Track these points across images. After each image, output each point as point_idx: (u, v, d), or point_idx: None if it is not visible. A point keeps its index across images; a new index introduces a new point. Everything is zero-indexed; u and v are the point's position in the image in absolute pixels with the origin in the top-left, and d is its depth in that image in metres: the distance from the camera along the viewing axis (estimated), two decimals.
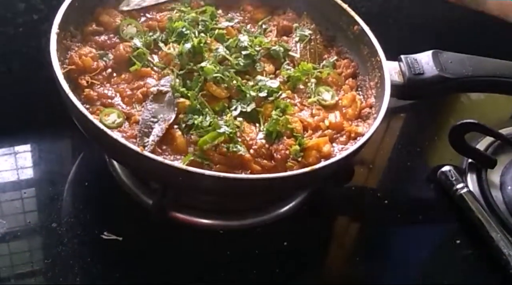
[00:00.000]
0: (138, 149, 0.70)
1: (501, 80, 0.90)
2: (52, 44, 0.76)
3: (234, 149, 0.75)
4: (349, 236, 0.91)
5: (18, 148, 0.92)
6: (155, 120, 0.77)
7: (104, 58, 0.84)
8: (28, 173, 0.89)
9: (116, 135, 0.71)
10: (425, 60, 0.89)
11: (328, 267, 0.87)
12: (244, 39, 0.88)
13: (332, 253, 0.89)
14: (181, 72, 0.83)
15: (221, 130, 0.75)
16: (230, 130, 0.76)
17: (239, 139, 0.77)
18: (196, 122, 0.76)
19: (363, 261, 0.86)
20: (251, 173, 0.75)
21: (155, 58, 0.86)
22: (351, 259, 0.88)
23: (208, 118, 0.77)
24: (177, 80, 0.81)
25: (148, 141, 0.74)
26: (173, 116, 0.77)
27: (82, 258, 0.79)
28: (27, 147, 0.92)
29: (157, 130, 0.75)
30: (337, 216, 0.92)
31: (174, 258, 0.81)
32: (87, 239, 0.81)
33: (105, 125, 0.73)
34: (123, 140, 0.70)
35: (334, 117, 0.85)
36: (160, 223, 0.82)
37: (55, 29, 0.78)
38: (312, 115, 0.85)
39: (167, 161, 0.70)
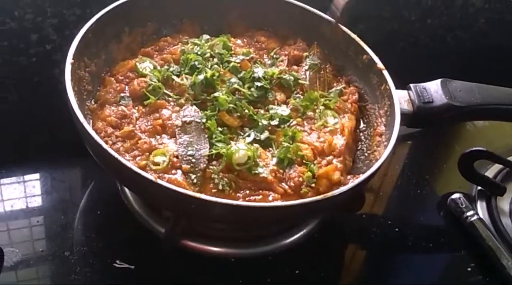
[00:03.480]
0: (152, 177, 0.70)
1: (510, 108, 0.90)
2: (67, 74, 0.77)
3: (256, 172, 0.77)
4: (360, 264, 0.91)
5: (28, 176, 0.92)
6: (193, 152, 0.78)
7: (122, 101, 0.85)
8: (38, 201, 0.89)
9: (130, 164, 0.72)
10: (434, 88, 0.90)
11: None
12: (258, 71, 0.89)
13: (343, 281, 0.89)
14: (195, 102, 0.84)
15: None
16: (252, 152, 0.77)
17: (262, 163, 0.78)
18: (221, 151, 0.77)
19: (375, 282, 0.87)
20: (275, 194, 0.76)
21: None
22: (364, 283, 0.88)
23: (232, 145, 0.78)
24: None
25: (195, 177, 0.76)
26: (208, 146, 0.78)
27: (94, 283, 0.79)
28: (37, 175, 0.93)
29: (200, 164, 0.77)
30: (348, 244, 0.92)
31: (183, 283, 0.81)
32: (100, 268, 0.81)
33: (155, 168, 0.75)
34: (137, 169, 0.70)
35: (339, 140, 0.85)
36: (172, 251, 0.82)
37: (69, 59, 0.79)
38: (319, 138, 0.85)
39: (181, 189, 0.70)
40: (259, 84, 0.88)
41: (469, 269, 0.89)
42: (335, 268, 0.89)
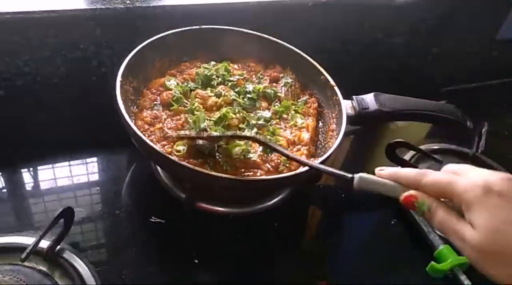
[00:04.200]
0: (176, 159, 0.71)
1: (419, 113, 0.93)
2: (117, 88, 0.77)
3: (248, 157, 0.78)
4: (318, 219, 0.92)
5: (90, 159, 0.92)
6: (205, 149, 0.78)
7: (155, 107, 0.85)
8: (96, 177, 0.90)
9: (161, 150, 0.72)
10: (369, 99, 0.91)
11: (305, 241, 0.88)
12: (249, 86, 0.91)
13: (307, 231, 0.90)
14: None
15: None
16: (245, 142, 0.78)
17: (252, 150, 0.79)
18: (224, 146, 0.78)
19: (329, 235, 0.88)
20: (262, 172, 0.77)
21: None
22: (320, 235, 0.89)
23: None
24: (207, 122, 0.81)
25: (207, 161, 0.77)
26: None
27: (137, 235, 0.80)
28: (95, 159, 0.93)
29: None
30: (310, 206, 0.93)
31: (199, 235, 0.82)
32: (140, 222, 0.82)
33: (178, 153, 0.76)
34: (166, 153, 0.71)
35: (305, 134, 0.86)
36: (190, 210, 0.82)
37: (119, 78, 0.79)
38: (292, 133, 0.86)
39: (196, 168, 0.71)
40: (249, 95, 0.89)
41: (392, 222, 0.90)
42: (301, 222, 0.90)
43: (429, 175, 0.54)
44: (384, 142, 0.92)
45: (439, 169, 0.90)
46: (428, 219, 0.53)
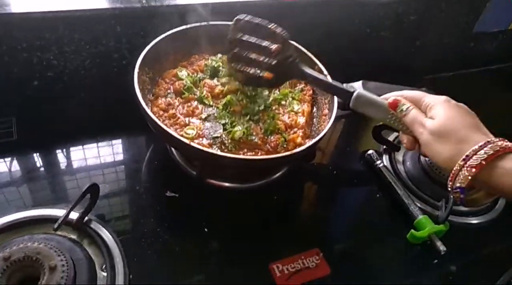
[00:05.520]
0: (187, 141, 0.70)
1: None
2: (135, 79, 0.76)
3: (250, 139, 0.77)
4: (313, 193, 0.92)
5: (114, 141, 0.92)
6: (213, 132, 0.78)
7: (168, 95, 0.84)
8: (120, 157, 0.89)
9: (174, 133, 0.72)
10: (357, 86, 0.90)
11: (300, 212, 0.87)
12: None
13: (302, 203, 0.89)
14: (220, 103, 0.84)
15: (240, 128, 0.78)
16: (246, 127, 0.78)
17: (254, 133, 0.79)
18: (228, 131, 0.78)
19: (321, 207, 0.88)
20: (262, 152, 0.77)
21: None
22: (313, 207, 0.88)
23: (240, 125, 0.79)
24: (217, 109, 0.81)
25: (215, 147, 0.77)
26: (221, 128, 0.79)
27: (154, 206, 0.80)
28: (120, 141, 0.92)
29: (217, 140, 0.78)
30: (306, 181, 0.92)
31: (208, 207, 0.81)
32: (157, 195, 0.81)
33: (187, 136, 0.76)
34: (178, 136, 0.70)
35: (300, 119, 0.85)
36: (200, 186, 0.82)
37: (136, 70, 0.78)
38: (289, 118, 0.85)
39: (204, 148, 0.70)
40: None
41: (378, 195, 0.90)
42: (298, 195, 0.90)
43: (412, 92, 0.68)
44: (371, 124, 0.91)
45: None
46: (403, 116, 0.66)
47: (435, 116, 0.61)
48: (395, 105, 0.67)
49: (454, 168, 0.58)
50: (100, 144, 0.90)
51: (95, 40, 0.91)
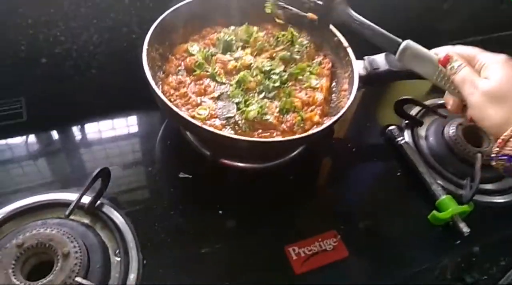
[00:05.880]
0: (199, 123, 0.65)
1: None
2: (144, 59, 0.70)
3: (265, 118, 0.71)
4: (330, 172, 0.85)
5: (130, 118, 0.87)
6: (226, 112, 0.72)
7: (179, 73, 0.78)
8: (135, 131, 0.85)
9: (187, 116, 0.66)
10: (380, 59, 0.81)
11: (318, 192, 0.81)
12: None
13: (319, 183, 0.83)
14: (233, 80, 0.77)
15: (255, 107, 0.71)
16: (261, 106, 0.72)
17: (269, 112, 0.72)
18: (242, 110, 0.72)
19: (339, 187, 0.81)
20: (278, 132, 0.71)
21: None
22: (331, 187, 0.82)
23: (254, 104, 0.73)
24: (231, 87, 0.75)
25: (229, 127, 0.71)
26: (235, 107, 0.72)
27: (168, 189, 0.76)
28: (132, 119, 0.87)
29: (231, 120, 0.72)
30: (323, 159, 0.86)
31: (222, 188, 0.77)
32: (170, 177, 0.77)
33: (200, 117, 0.70)
34: (190, 118, 0.65)
35: (319, 95, 0.78)
36: (215, 166, 0.77)
37: (145, 47, 0.72)
38: (306, 94, 0.78)
39: (217, 131, 0.65)
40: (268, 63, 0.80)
41: (398, 174, 0.83)
42: (314, 175, 0.83)
43: (466, 48, 0.60)
44: (390, 96, 0.84)
45: (443, 124, 0.81)
46: (453, 74, 0.58)
47: (490, 76, 0.55)
48: (446, 61, 0.59)
49: (506, 134, 0.52)
50: (112, 123, 0.85)
51: (103, 14, 0.84)
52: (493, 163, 0.56)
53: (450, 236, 0.74)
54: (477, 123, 0.56)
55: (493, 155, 0.55)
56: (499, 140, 0.53)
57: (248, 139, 0.65)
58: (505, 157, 0.53)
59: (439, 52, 0.61)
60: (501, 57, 0.56)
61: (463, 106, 0.60)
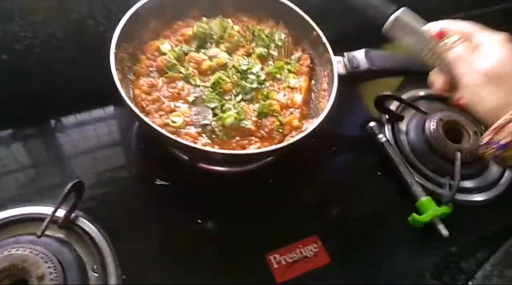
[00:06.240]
0: (173, 136, 0.62)
1: (407, 68, 0.79)
2: (111, 61, 0.66)
3: (243, 124, 0.68)
4: (310, 174, 0.82)
5: (97, 122, 0.82)
6: (201, 119, 0.69)
7: (151, 74, 0.73)
8: (107, 132, 0.80)
9: (158, 128, 0.63)
10: (360, 56, 0.77)
11: (297, 196, 0.79)
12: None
13: (300, 186, 0.80)
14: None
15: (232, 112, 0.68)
16: (238, 112, 0.69)
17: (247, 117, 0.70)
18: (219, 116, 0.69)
19: (319, 190, 0.80)
20: (256, 138, 0.69)
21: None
22: (311, 190, 0.80)
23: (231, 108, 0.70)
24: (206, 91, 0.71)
25: (205, 135, 0.68)
26: (211, 113, 0.69)
27: (145, 196, 0.74)
28: (103, 121, 0.82)
29: (207, 127, 0.69)
30: (303, 158, 0.83)
31: (201, 194, 0.74)
32: (145, 184, 0.74)
33: (174, 125, 0.67)
34: (163, 131, 0.62)
35: (297, 97, 0.75)
36: (193, 171, 0.75)
37: (113, 49, 0.67)
38: (285, 96, 0.75)
39: (190, 144, 0.62)
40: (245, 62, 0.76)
41: (379, 173, 0.82)
42: (295, 177, 0.80)
43: (462, 23, 0.56)
44: (372, 95, 0.82)
45: (424, 119, 0.79)
46: (447, 50, 0.55)
47: (487, 56, 0.51)
48: (441, 35, 0.55)
49: (499, 122, 0.50)
50: (83, 127, 0.80)
51: (66, 7, 0.78)
52: (481, 151, 0.54)
53: (430, 237, 0.74)
54: (467, 107, 0.53)
55: (483, 142, 0.53)
56: (493, 127, 0.50)
57: (225, 152, 0.63)
58: (496, 145, 0.51)
59: (435, 26, 0.57)
60: (501, 36, 0.53)
61: (450, 87, 0.57)
